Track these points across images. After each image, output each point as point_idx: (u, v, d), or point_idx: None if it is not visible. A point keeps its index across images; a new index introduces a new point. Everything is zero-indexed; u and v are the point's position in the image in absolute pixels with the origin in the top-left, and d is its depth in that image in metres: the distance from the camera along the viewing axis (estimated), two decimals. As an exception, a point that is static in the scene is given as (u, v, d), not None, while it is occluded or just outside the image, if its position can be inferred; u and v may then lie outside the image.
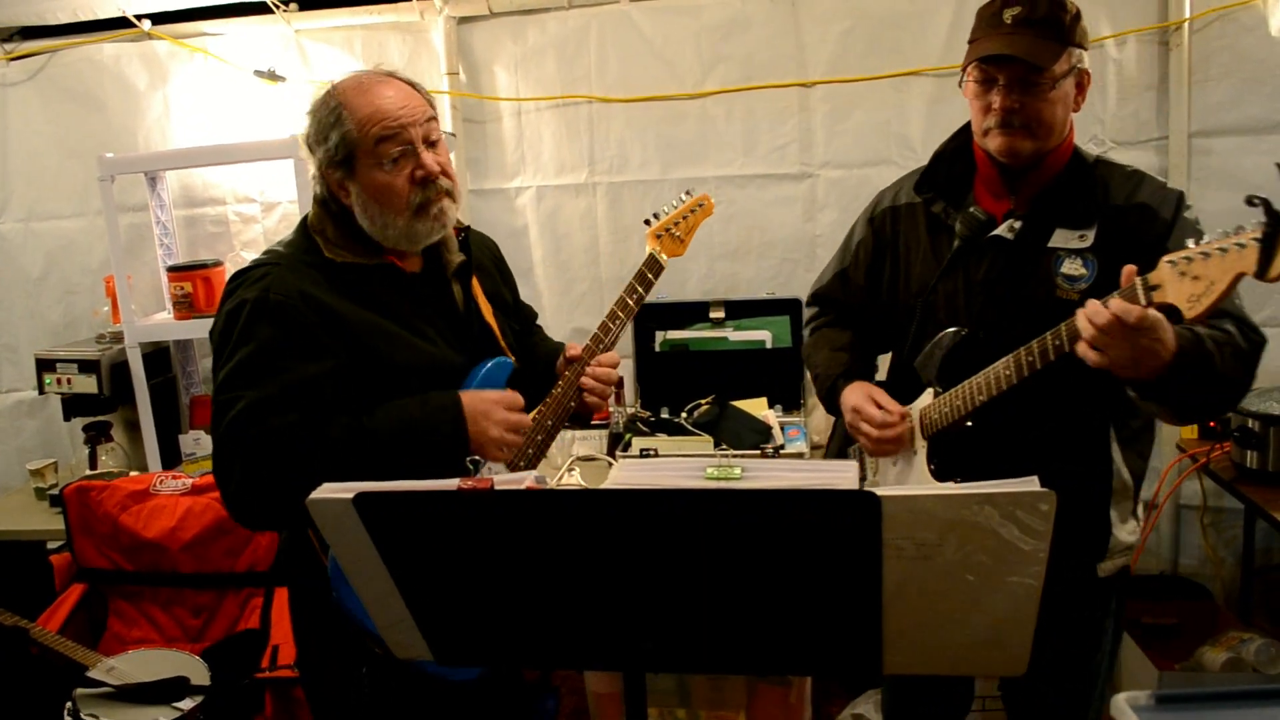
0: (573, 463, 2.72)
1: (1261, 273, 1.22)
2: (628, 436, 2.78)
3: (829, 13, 2.95)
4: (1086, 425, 1.66)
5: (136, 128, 3.32)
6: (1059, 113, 1.60)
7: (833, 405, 1.89)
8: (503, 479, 1.04)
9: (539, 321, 2.03)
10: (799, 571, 1.00)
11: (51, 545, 2.97)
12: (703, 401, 2.85)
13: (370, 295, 1.55)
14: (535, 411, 1.69)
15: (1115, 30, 2.80)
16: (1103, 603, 1.76)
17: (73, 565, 2.80)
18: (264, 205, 3.35)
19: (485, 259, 1.81)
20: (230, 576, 2.72)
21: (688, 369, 2.99)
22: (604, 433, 2.84)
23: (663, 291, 2.00)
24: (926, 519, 0.93)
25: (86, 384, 3.06)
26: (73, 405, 3.16)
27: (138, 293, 3.18)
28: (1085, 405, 1.64)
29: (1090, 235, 1.61)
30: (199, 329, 3.05)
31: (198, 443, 3.14)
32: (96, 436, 3.12)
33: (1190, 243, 1.31)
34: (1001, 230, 1.66)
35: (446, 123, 3.12)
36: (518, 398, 1.59)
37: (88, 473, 2.99)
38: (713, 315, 3.03)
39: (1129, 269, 1.38)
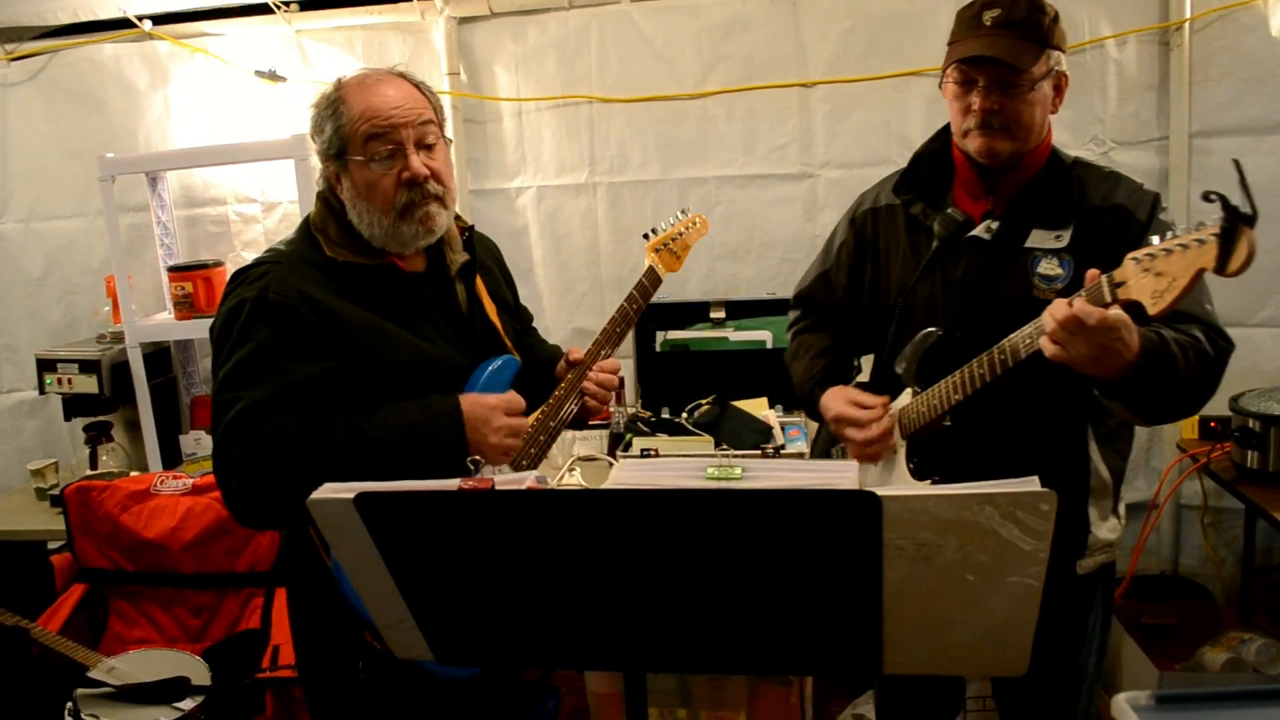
0: (573, 463, 2.72)
1: (1220, 268, 1.22)
2: (628, 436, 2.77)
3: (829, 13, 2.95)
4: (1064, 423, 1.67)
5: (137, 128, 3.32)
6: (1038, 114, 1.61)
7: (814, 413, 1.90)
8: (503, 479, 1.04)
9: (537, 323, 2.03)
10: (799, 571, 1.00)
11: (52, 545, 2.98)
12: (703, 401, 2.85)
13: (371, 295, 1.54)
14: (536, 414, 1.69)
15: (1115, 30, 2.80)
16: (1085, 600, 1.76)
17: (73, 565, 2.80)
18: (265, 205, 3.35)
19: (488, 259, 1.81)
20: (231, 576, 2.72)
21: (688, 369, 2.99)
22: (604, 433, 2.84)
23: (663, 292, 2.00)
24: (927, 519, 0.93)
25: (87, 384, 3.06)
26: (73, 405, 3.16)
27: (138, 293, 3.18)
28: (1062, 404, 1.64)
29: (1066, 235, 1.62)
30: (199, 329, 3.05)
31: (198, 443, 3.14)
32: (97, 436, 3.12)
33: (1154, 240, 1.31)
34: (979, 231, 1.67)
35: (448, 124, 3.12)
36: (519, 400, 1.59)
37: (88, 473, 2.99)
38: (713, 315, 3.03)
39: (1092, 272, 1.39)
